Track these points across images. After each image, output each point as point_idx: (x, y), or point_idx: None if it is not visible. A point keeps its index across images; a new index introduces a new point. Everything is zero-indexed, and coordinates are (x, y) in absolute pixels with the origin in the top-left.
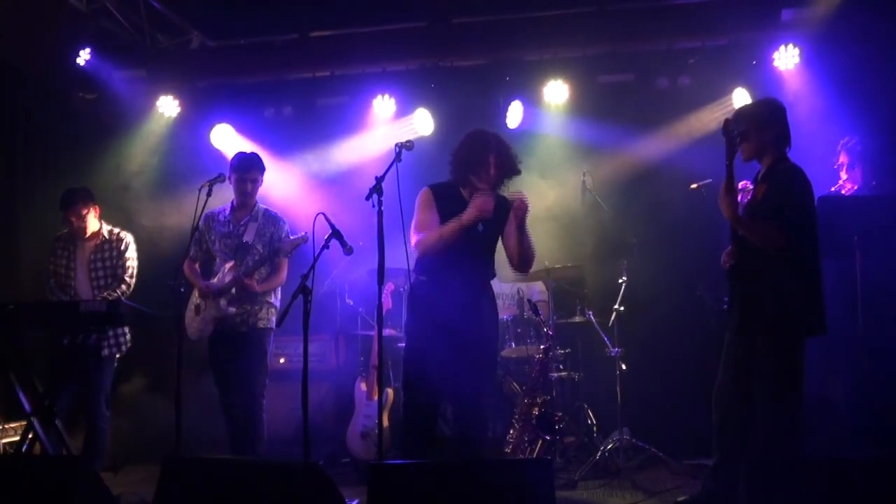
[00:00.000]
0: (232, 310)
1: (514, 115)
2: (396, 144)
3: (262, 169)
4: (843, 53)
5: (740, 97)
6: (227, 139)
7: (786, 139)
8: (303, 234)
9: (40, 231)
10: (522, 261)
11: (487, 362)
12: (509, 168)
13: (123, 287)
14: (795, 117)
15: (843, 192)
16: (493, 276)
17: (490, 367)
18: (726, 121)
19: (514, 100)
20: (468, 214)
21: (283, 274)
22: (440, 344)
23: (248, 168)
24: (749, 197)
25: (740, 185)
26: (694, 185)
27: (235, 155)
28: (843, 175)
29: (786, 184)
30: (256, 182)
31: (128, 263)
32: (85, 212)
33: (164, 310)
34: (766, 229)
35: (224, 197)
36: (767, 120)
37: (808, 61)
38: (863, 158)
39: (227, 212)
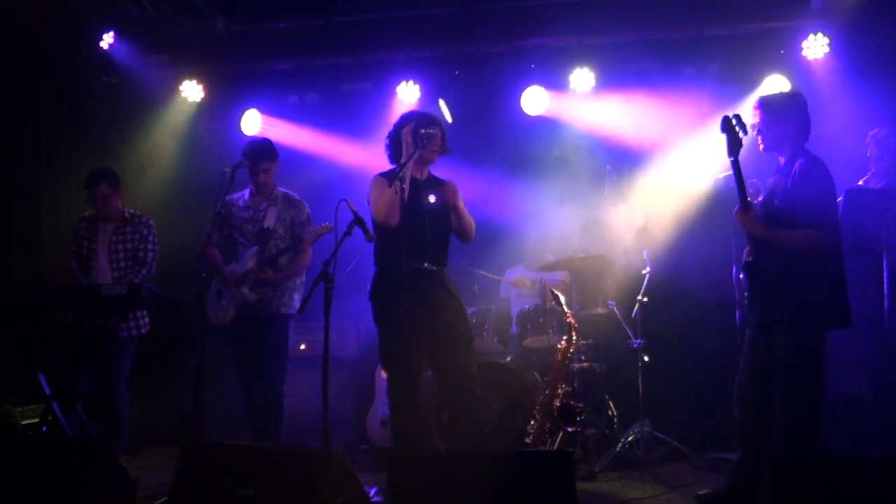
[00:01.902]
0: (254, 296)
1: (532, 101)
2: (420, 131)
3: (273, 157)
4: (874, 43)
5: (772, 85)
6: (255, 125)
7: (804, 130)
8: (326, 223)
9: (62, 215)
10: (461, 234)
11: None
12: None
13: (144, 271)
14: (824, 107)
15: (871, 185)
16: (447, 263)
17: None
18: (725, 117)
19: (536, 87)
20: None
21: (308, 256)
22: (428, 332)
23: (259, 160)
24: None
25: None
26: (720, 176)
27: (247, 143)
28: (872, 167)
29: (805, 179)
30: (269, 172)
31: (150, 247)
32: (109, 192)
33: (186, 294)
34: (805, 234)
35: (247, 178)
36: (781, 109)
37: (838, 50)
38: (892, 150)
39: (247, 197)
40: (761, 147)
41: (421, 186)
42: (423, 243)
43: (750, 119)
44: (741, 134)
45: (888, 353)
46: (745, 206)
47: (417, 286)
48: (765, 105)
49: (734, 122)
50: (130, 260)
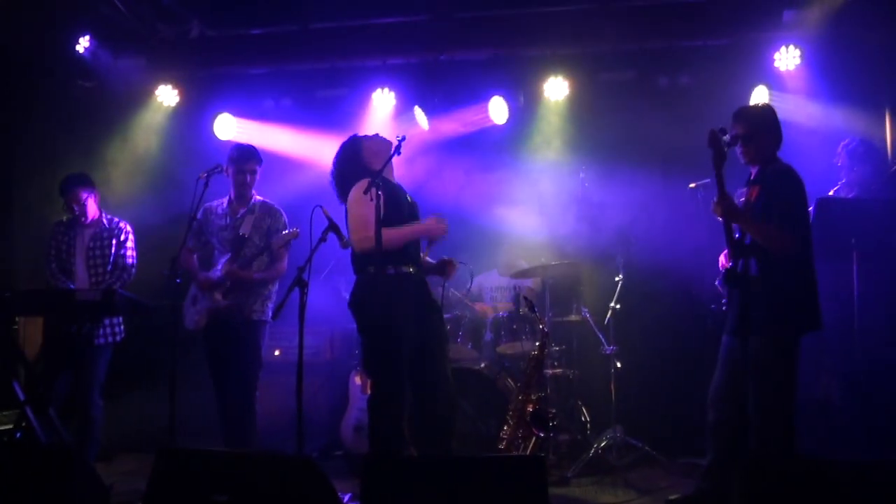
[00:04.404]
0: (225, 301)
1: (497, 110)
2: (397, 137)
3: (259, 160)
4: (844, 55)
5: (758, 96)
6: (228, 129)
7: (779, 143)
8: (294, 229)
9: (36, 219)
10: None
11: (446, 356)
12: None
13: (125, 276)
14: (796, 118)
15: (841, 194)
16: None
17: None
18: (712, 131)
19: (511, 95)
20: (430, 228)
21: (283, 264)
22: (414, 336)
23: (246, 159)
24: (742, 200)
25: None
26: (692, 185)
27: (233, 146)
28: (843, 177)
29: (779, 184)
30: (255, 174)
31: (128, 253)
32: (85, 197)
33: (161, 300)
34: (778, 232)
35: (222, 187)
36: (768, 124)
37: (809, 62)
38: (863, 161)
39: (225, 205)
40: (745, 160)
41: (398, 189)
42: (405, 247)
43: (731, 128)
44: (740, 143)
45: (857, 358)
46: (724, 195)
47: (404, 291)
48: (745, 117)
49: (719, 136)
50: (109, 265)
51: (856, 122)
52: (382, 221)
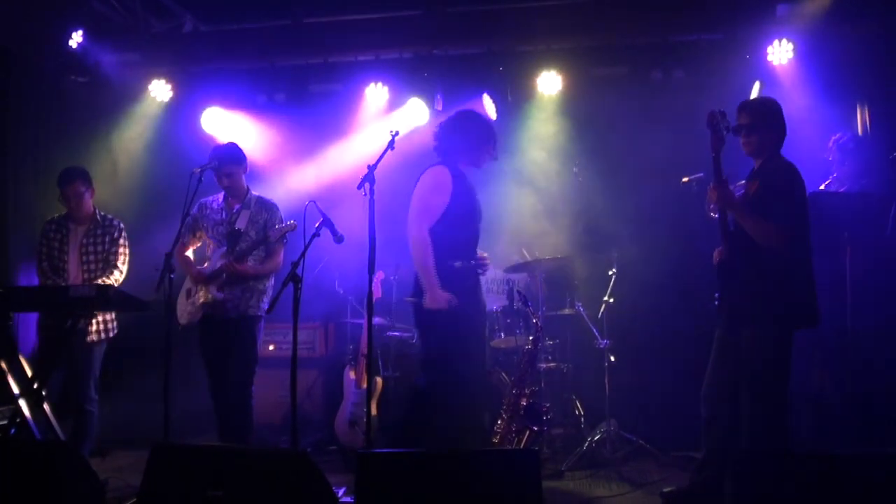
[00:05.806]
0: (220, 295)
1: (491, 105)
2: (390, 132)
3: (237, 161)
4: (836, 49)
5: (758, 90)
6: (218, 123)
7: (782, 137)
8: (291, 221)
9: (28, 216)
10: None
11: None
12: None
13: (117, 274)
14: (788, 112)
15: (833, 188)
16: None
17: None
18: (711, 113)
19: (504, 89)
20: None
21: (278, 259)
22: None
23: (220, 164)
24: (741, 192)
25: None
26: (685, 179)
27: (212, 149)
28: (834, 172)
29: (779, 180)
30: (232, 176)
31: (120, 250)
32: (83, 190)
33: (155, 295)
34: (774, 227)
35: (216, 182)
36: (771, 117)
37: (802, 56)
38: (854, 155)
39: (221, 200)
40: (746, 150)
41: (473, 189)
42: (468, 242)
43: (735, 120)
44: (744, 132)
45: (850, 352)
46: (720, 182)
47: (473, 284)
48: (750, 108)
49: (719, 119)
50: (101, 262)
51: (847, 116)
52: (457, 214)
